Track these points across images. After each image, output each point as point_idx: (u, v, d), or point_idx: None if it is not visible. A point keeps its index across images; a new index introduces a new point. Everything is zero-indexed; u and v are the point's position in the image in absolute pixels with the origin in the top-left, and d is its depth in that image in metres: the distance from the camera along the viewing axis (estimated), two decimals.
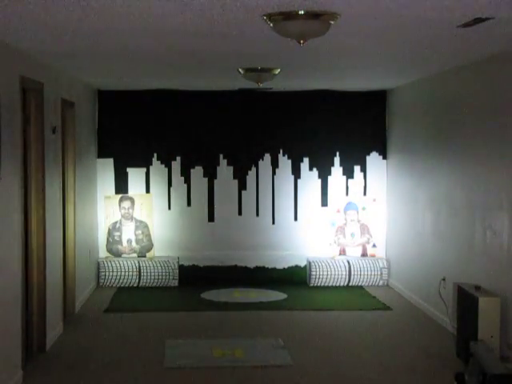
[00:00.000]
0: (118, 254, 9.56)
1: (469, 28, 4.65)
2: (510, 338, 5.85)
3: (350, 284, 9.51)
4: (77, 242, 7.86)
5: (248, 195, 9.84)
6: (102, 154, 9.66)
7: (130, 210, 9.60)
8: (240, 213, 9.84)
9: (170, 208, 9.77)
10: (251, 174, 9.82)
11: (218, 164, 9.77)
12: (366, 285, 9.51)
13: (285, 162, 9.82)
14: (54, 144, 6.82)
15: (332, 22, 4.16)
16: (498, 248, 6.11)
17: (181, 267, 9.60)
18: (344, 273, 9.50)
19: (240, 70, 6.92)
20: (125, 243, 9.59)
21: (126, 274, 9.37)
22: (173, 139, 9.70)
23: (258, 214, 9.85)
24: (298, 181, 9.85)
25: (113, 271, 9.36)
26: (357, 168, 9.86)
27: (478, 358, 5.22)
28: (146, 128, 9.67)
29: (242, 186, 9.82)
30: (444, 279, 7.35)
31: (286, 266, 9.84)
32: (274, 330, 7.26)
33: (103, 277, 9.36)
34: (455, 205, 7.16)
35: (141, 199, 9.65)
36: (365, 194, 9.86)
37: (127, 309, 8.20)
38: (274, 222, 9.86)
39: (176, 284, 9.41)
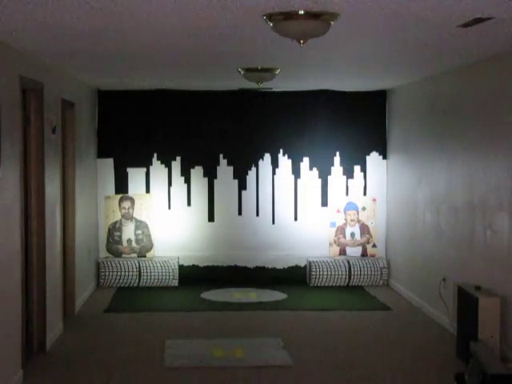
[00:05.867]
0: (117, 254, 9.56)
1: (469, 28, 4.65)
2: (510, 338, 5.85)
3: (350, 284, 9.51)
4: (77, 242, 7.86)
5: (248, 195, 9.83)
6: (102, 153, 9.65)
7: (130, 210, 9.60)
8: (240, 213, 9.83)
9: (170, 208, 9.77)
10: (251, 173, 9.82)
11: (218, 164, 9.77)
12: (366, 285, 9.51)
13: (285, 162, 9.82)
14: (54, 144, 6.82)
15: (332, 22, 4.16)
16: (498, 248, 6.11)
17: (181, 267, 9.59)
18: (344, 273, 9.49)
19: (240, 69, 6.92)
20: (125, 243, 9.59)
21: (126, 273, 9.37)
22: (173, 139, 9.69)
23: (257, 214, 9.84)
24: (298, 181, 9.84)
25: (113, 271, 9.36)
26: (357, 168, 9.86)
27: (477, 358, 5.22)
28: (146, 128, 9.66)
29: (242, 186, 9.81)
30: (444, 279, 7.36)
31: (285, 266, 9.83)
32: (274, 329, 7.26)
33: (103, 277, 9.35)
34: (455, 204, 7.16)
35: (141, 199, 9.65)
36: (365, 194, 9.86)
37: (127, 309, 8.21)
38: (273, 222, 9.85)
39: (176, 284, 9.41)
